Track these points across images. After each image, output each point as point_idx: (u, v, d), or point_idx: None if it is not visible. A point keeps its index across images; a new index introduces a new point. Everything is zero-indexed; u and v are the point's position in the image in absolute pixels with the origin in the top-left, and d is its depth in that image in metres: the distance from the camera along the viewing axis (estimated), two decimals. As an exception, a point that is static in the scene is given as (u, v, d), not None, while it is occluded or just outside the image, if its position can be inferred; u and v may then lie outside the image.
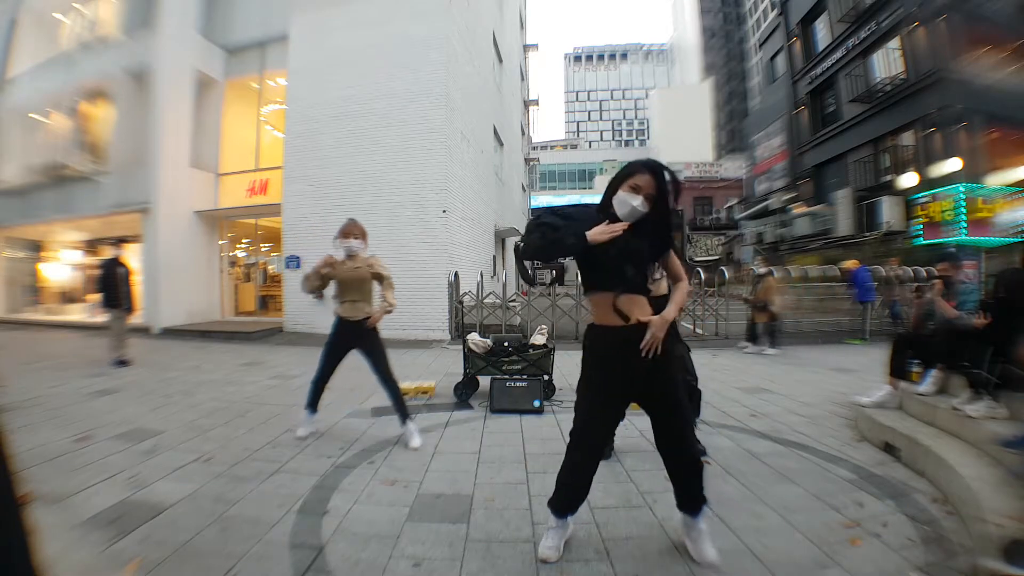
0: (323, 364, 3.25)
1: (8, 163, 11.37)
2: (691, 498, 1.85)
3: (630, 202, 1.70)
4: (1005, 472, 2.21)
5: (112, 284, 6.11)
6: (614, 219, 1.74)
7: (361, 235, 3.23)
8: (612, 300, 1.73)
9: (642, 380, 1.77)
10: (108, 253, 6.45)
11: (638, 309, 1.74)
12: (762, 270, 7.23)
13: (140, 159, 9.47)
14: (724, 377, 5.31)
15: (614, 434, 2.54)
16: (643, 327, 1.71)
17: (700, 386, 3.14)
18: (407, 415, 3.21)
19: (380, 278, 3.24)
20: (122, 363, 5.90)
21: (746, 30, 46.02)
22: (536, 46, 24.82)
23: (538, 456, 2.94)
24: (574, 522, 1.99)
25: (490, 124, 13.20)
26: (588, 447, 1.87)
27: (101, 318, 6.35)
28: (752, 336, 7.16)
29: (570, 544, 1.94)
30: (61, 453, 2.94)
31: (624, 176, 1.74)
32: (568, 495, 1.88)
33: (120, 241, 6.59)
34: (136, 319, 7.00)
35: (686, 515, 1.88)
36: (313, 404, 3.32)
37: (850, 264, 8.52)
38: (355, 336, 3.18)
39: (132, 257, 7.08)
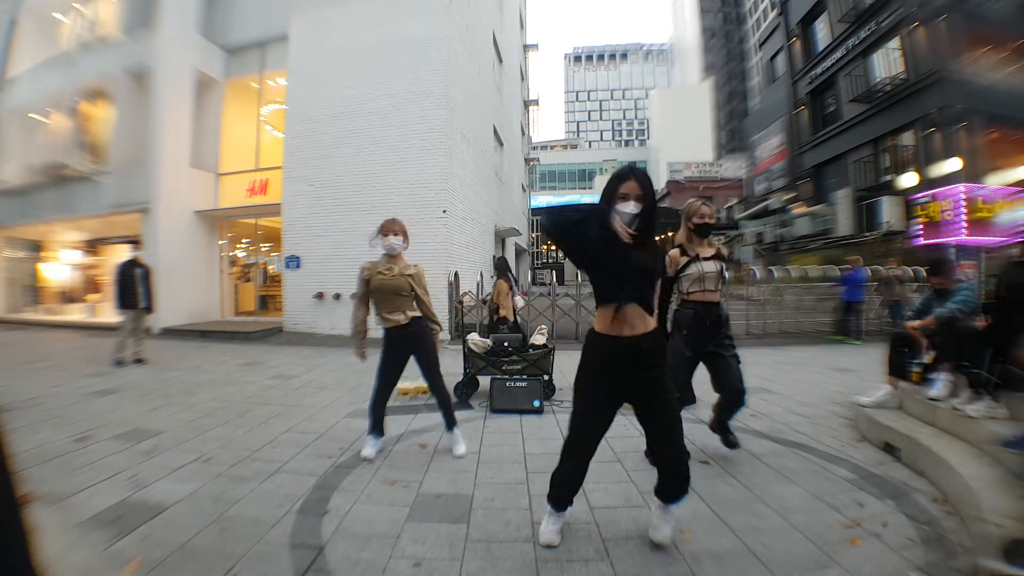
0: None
1: (8, 163, 11.36)
2: (674, 487, 1.89)
3: (626, 210, 1.74)
4: (1005, 472, 2.21)
5: (129, 285, 6.21)
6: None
7: (403, 233, 2.93)
8: (613, 310, 1.77)
9: (638, 388, 1.82)
10: (125, 254, 6.55)
11: (640, 321, 1.78)
12: (493, 276, 7.18)
13: (140, 159, 9.47)
14: (724, 377, 5.29)
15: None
16: (640, 339, 1.77)
17: (700, 386, 3.14)
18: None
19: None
20: (139, 361, 6.12)
21: (746, 30, 46.02)
22: (536, 46, 24.80)
23: (538, 456, 2.94)
24: (571, 514, 2.06)
25: (490, 124, 13.20)
26: (580, 455, 1.94)
27: (117, 318, 6.40)
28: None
29: (570, 542, 1.95)
30: (61, 453, 2.94)
31: (612, 190, 1.79)
32: (563, 494, 1.99)
33: (135, 242, 6.71)
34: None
35: (662, 502, 1.93)
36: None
37: (855, 260, 8.51)
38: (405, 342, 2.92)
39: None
